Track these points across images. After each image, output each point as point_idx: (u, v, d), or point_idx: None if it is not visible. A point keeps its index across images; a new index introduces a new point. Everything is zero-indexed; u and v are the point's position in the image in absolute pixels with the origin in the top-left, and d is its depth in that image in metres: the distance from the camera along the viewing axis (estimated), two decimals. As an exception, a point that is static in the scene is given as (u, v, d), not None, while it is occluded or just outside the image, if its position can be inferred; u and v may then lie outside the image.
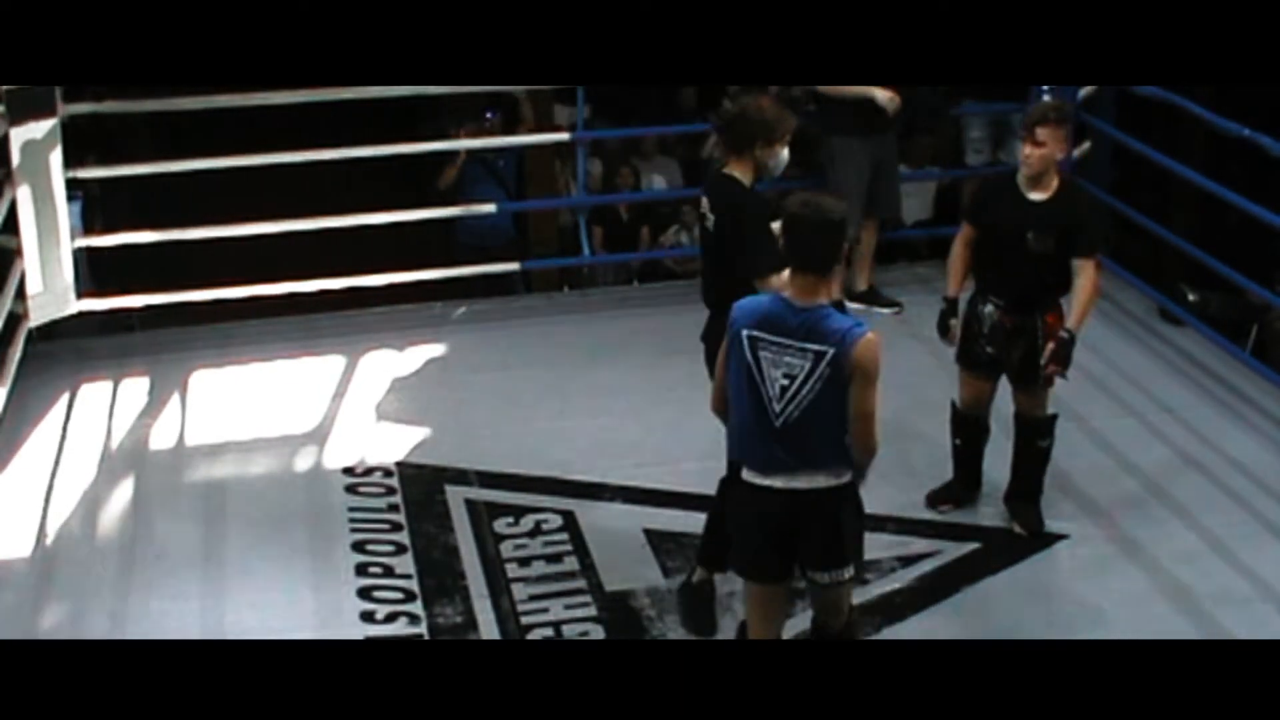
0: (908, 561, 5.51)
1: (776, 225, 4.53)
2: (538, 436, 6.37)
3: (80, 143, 7.16)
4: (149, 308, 7.50)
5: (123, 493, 6.02)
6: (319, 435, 6.43)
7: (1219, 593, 5.36)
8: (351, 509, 5.89)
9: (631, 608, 5.29)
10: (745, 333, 4.18)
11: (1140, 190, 7.98)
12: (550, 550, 5.61)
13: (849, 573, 4.33)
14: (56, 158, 6.77)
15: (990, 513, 5.79)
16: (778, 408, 4.15)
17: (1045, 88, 7.42)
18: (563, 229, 8.76)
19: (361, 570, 5.50)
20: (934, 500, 5.79)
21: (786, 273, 4.38)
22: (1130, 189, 7.96)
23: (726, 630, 5.17)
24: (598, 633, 5.17)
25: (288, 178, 7.47)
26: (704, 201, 5.12)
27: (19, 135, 6.58)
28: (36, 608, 5.31)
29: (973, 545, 5.65)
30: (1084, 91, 7.68)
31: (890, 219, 7.84)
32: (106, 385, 6.82)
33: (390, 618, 5.24)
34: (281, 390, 6.80)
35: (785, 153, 4.98)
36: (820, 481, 4.21)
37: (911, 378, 6.24)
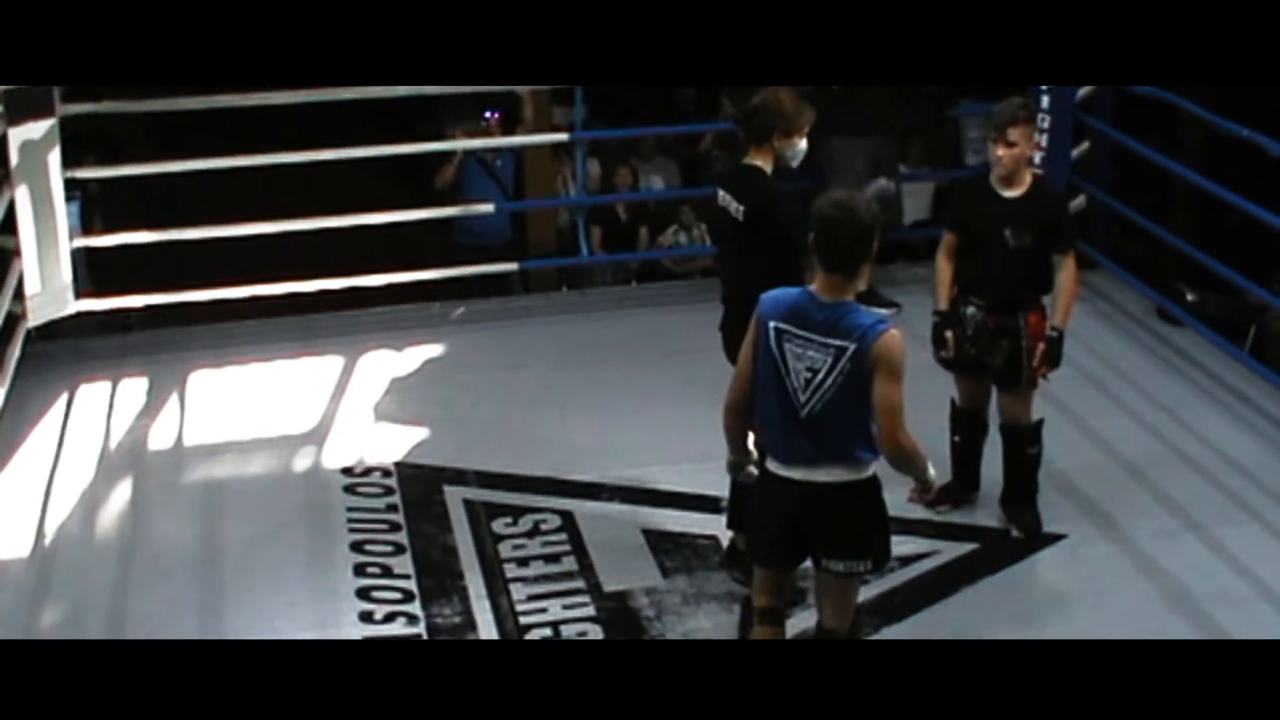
0: (906, 561, 5.50)
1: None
2: (536, 436, 6.37)
3: (79, 143, 7.16)
4: (147, 308, 7.51)
5: (121, 493, 6.02)
6: (317, 435, 6.43)
7: (1217, 593, 5.36)
8: (350, 509, 5.89)
9: (630, 607, 5.29)
10: (772, 325, 4.21)
11: (1139, 190, 7.99)
12: (549, 550, 5.61)
13: (865, 565, 4.34)
14: (55, 158, 6.77)
15: (988, 513, 5.79)
16: (802, 399, 4.18)
17: (1044, 88, 7.45)
18: (561, 229, 8.76)
19: (360, 570, 5.50)
20: (932, 500, 5.78)
21: None
22: (1129, 189, 7.97)
23: (726, 630, 5.17)
24: (596, 633, 5.17)
25: (286, 178, 7.48)
26: (721, 195, 5.16)
27: (17, 135, 6.58)
28: (35, 608, 5.30)
29: (971, 546, 5.65)
30: (1082, 91, 7.69)
31: (889, 219, 7.83)
32: (105, 385, 6.83)
33: (389, 618, 5.24)
34: (280, 390, 6.81)
35: (803, 144, 5.07)
36: (839, 475, 4.24)
37: (910, 378, 6.21)
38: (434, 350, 7.22)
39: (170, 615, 5.22)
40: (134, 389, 6.80)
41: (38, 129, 6.66)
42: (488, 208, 7.93)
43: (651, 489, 5.95)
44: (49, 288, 6.86)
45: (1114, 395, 6.75)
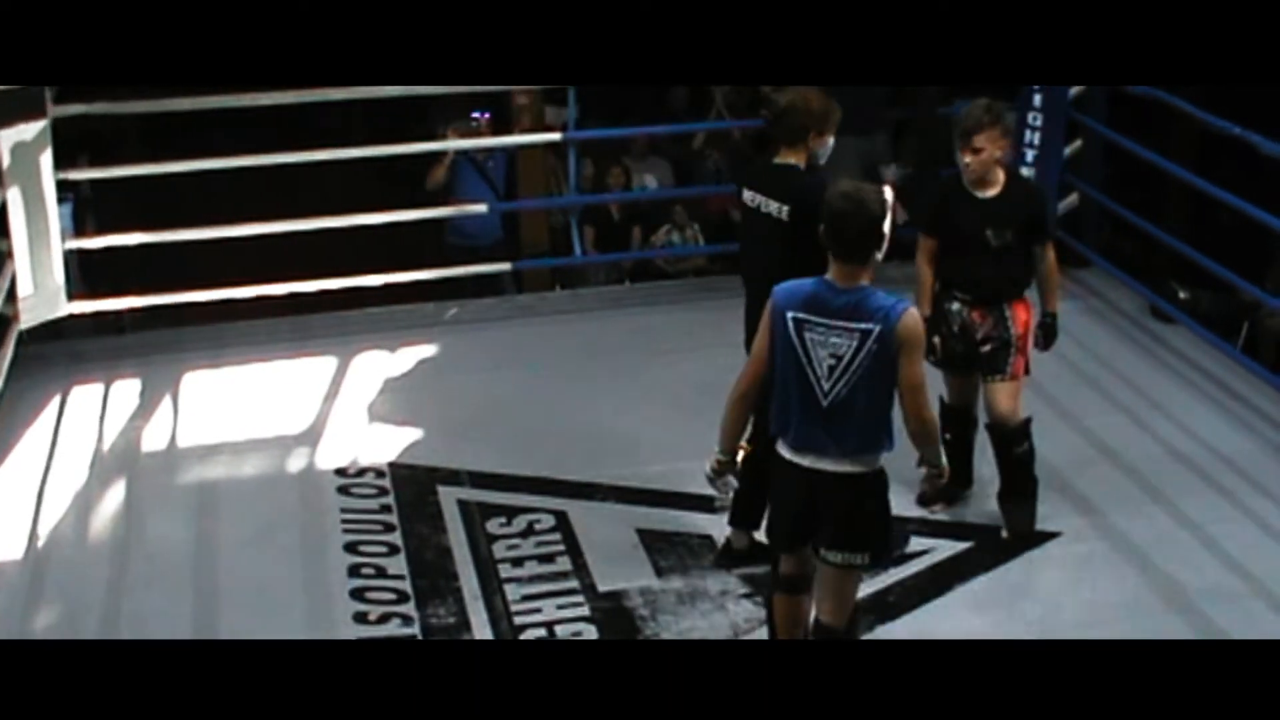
0: (900, 560, 5.50)
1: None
2: (530, 437, 6.37)
3: (71, 144, 7.15)
4: (140, 309, 7.50)
5: (115, 494, 6.01)
6: (311, 436, 6.42)
7: (1211, 589, 5.37)
8: (344, 510, 5.89)
9: (624, 607, 5.29)
10: (790, 315, 4.28)
11: (1132, 188, 8.00)
12: (543, 550, 5.61)
13: (862, 559, 4.40)
14: (47, 159, 6.75)
15: (982, 511, 5.79)
16: (826, 386, 4.25)
17: (1036, 86, 7.45)
18: (554, 229, 8.76)
19: (354, 571, 5.50)
20: (925, 500, 5.79)
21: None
22: (1122, 187, 7.97)
23: (721, 630, 5.17)
24: (590, 633, 5.16)
25: (278, 179, 7.48)
26: (749, 195, 5.19)
27: (9, 137, 6.56)
28: (29, 610, 5.29)
29: (965, 544, 5.66)
30: (1075, 90, 7.69)
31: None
32: (98, 387, 6.82)
33: (383, 619, 5.24)
34: (273, 391, 6.80)
35: (831, 140, 5.16)
36: (846, 467, 4.31)
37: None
38: (427, 351, 7.22)
39: (164, 617, 5.21)
40: (127, 391, 6.79)
41: (29, 130, 6.65)
42: (480, 208, 7.93)
43: (646, 488, 5.95)
44: (42, 290, 6.85)
45: (1107, 392, 6.76)
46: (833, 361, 4.24)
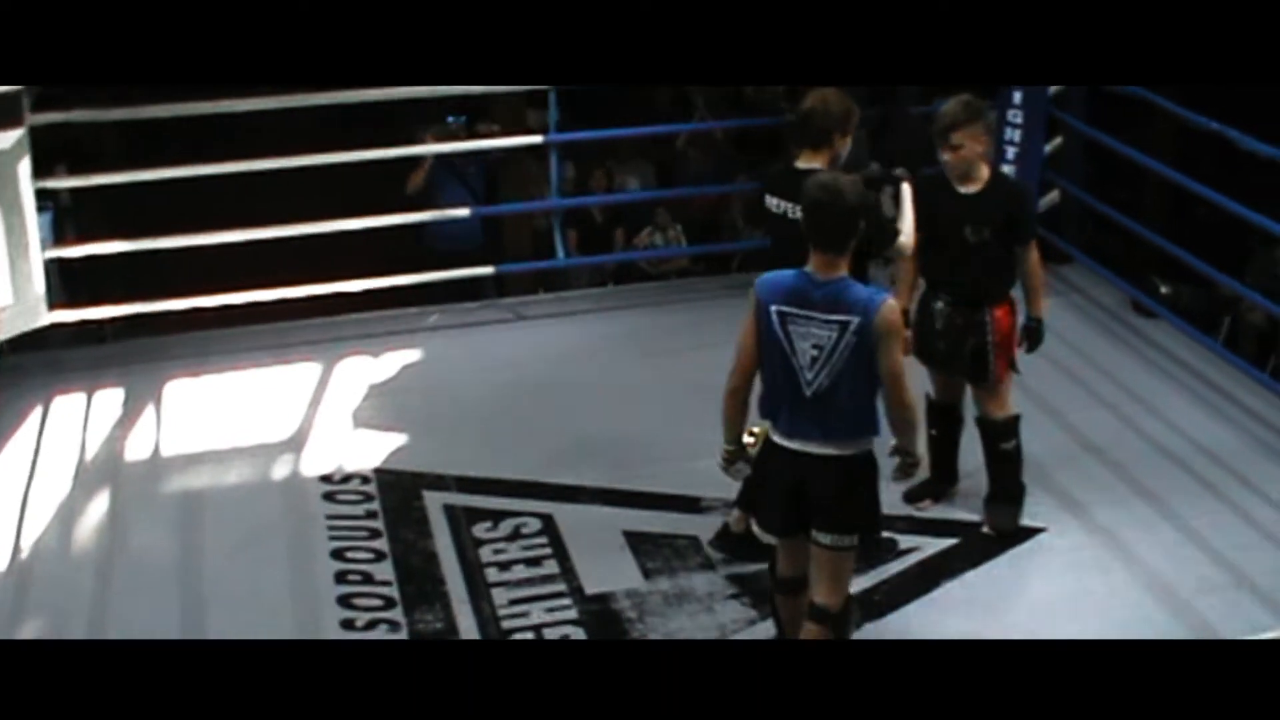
0: (888, 557, 5.51)
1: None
2: (514, 440, 6.36)
3: (50, 153, 7.12)
4: (122, 318, 7.47)
5: (99, 505, 5.99)
6: (295, 443, 6.41)
7: (1197, 582, 5.38)
8: (329, 517, 5.87)
9: (612, 609, 5.29)
10: (774, 308, 4.37)
11: (1112, 184, 8.02)
12: (529, 554, 5.60)
13: (850, 540, 4.47)
14: (25, 168, 6.71)
15: (968, 508, 5.80)
16: (809, 376, 4.35)
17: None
18: (537, 232, 8.75)
19: (341, 578, 5.49)
20: (912, 497, 5.80)
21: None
22: (1102, 183, 7.99)
23: (708, 630, 5.17)
24: (578, 635, 5.16)
25: (260, 185, 7.44)
26: (774, 201, 5.21)
27: (-13, 146, 6.55)
28: (14, 620, 5.27)
29: (951, 540, 5.66)
30: (1055, 87, 7.71)
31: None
32: (80, 397, 6.79)
33: (370, 625, 5.23)
34: (257, 399, 6.78)
35: (850, 140, 5.22)
36: (832, 450, 4.40)
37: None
38: (411, 356, 7.21)
39: (150, 626, 5.19)
40: (110, 400, 6.77)
41: (7, 139, 6.62)
42: (463, 212, 7.91)
43: (631, 490, 5.95)
44: (22, 299, 6.81)
45: (1090, 387, 6.78)
46: (815, 352, 4.33)
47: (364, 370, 7.04)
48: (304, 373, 7.01)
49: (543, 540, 5.68)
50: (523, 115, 8.61)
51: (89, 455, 6.34)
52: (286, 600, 5.37)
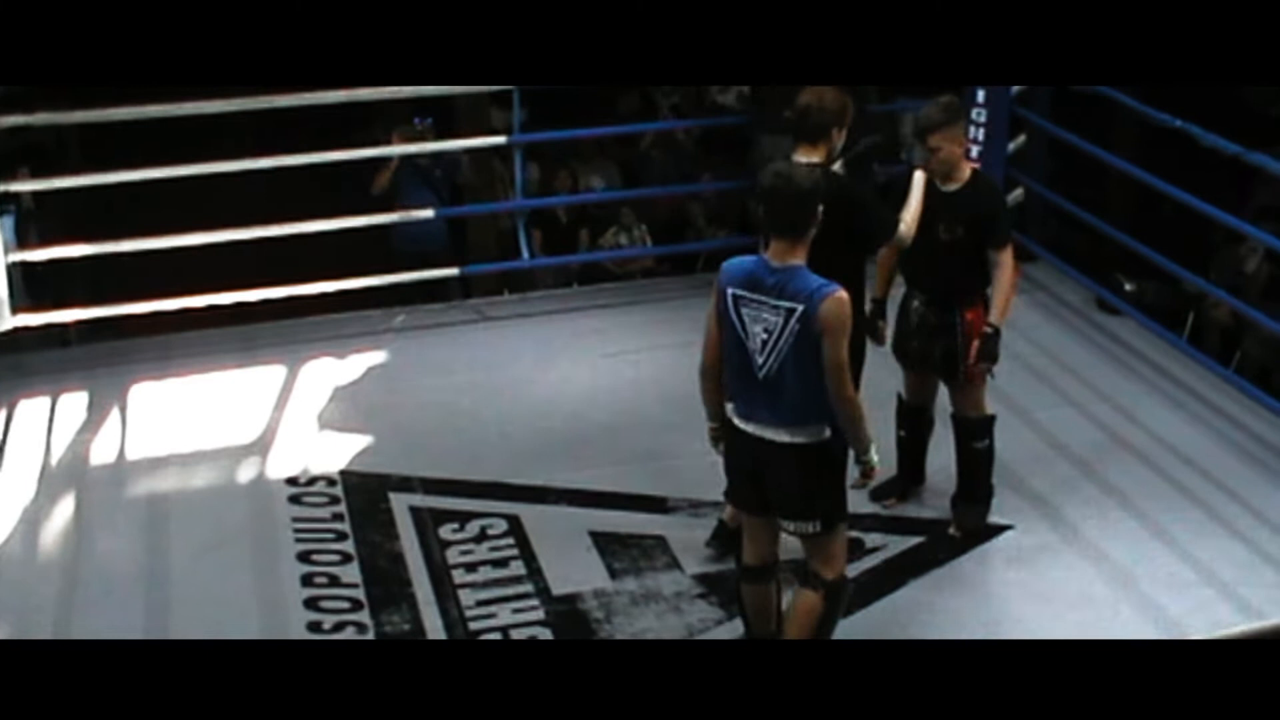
0: (853, 556, 5.51)
1: None
2: (481, 441, 6.36)
3: (11, 156, 7.08)
4: (86, 321, 7.43)
5: (63, 510, 5.95)
6: (260, 446, 6.38)
7: (1163, 579, 5.41)
8: (295, 519, 5.85)
9: (579, 610, 5.29)
10: (730, 291, 4.47)
11: (1076, 182, 8.05)
12: (496, 555, 5.60)
13: (813, 526, 4.56)
14: (-13, 172, 6.70)
15: (934, 507, 5.81)
16: (760, 360, 4.45)
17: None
18: (502, 233, 8.74)
19: (307, 581, 5.47)
20: (879, 495, 5.81)
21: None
22: (1066, 181, 8.03)
23: (675, 630, 5.17)
24: (546, 636, 5.15)
25: (223, 188, 7.41)
26: None
27: (-52, 150, 6.51)
28: (-23, 628, 5.25)
29: (917, 539, 5.68)
30: (1018, 86, 7.73)
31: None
32: (44, 401, 6.75)
33: (338, 627, 5.21)
34: (222, 402, 6.75)
35: (845, 134, 5.25)
36: (785, 437, 4.47)
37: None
38: (376, 358, 7.19)
39: (116, 629, 5.16)
40: (74, 404, 6.73)
41: (-31, 143, 6.59)
42: (427, 213, 7.90)
43: (597, 491, 5.95)
44: (-16, 304, 6.79)
45: (1055, 385, 6.80)
46: (765, 336, 4.41)
47: (329, 372, 7.01)
48: (269, 375, 6.98)
49: (509, 541, 5.68)
50: (487, 115, 8.60)
51: (54, 459, 6.30)
52: (253, 603, 5.34)
